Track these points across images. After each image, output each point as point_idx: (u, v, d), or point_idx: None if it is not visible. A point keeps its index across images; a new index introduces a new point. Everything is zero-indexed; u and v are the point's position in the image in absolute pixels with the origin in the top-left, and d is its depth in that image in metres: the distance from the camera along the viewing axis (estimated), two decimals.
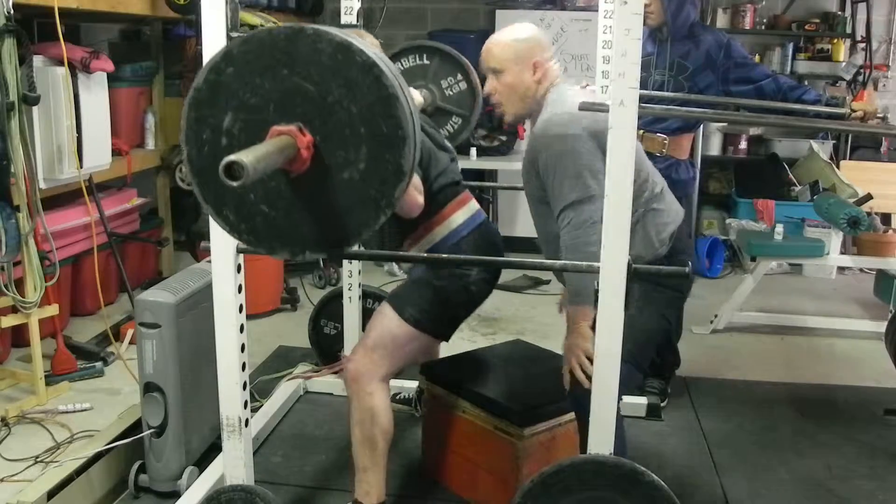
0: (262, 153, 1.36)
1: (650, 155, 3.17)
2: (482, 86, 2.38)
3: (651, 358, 2.33)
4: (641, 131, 3.18)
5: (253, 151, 1.34)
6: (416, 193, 2.18)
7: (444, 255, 2.24)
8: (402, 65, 2.86)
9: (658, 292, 2.18)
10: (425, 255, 2.23)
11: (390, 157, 1.48)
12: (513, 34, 2.23)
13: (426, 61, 2.84)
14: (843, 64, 5.52)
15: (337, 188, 1.52)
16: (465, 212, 2.38)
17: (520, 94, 2.21)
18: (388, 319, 2.28)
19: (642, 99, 1.89)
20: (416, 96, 2.74)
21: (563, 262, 1.99)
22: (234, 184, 1.28)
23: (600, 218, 1.77)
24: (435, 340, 2.36)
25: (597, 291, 1.75)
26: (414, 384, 3.01)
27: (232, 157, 1.27)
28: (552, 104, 2.17)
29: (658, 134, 3.18)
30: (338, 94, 1.48)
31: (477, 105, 2.82)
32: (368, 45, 1.54)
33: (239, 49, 1.52)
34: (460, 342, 3.63)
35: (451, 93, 2.85)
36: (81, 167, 3.30)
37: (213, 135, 1.54)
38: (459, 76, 2.82)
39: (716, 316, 4.16)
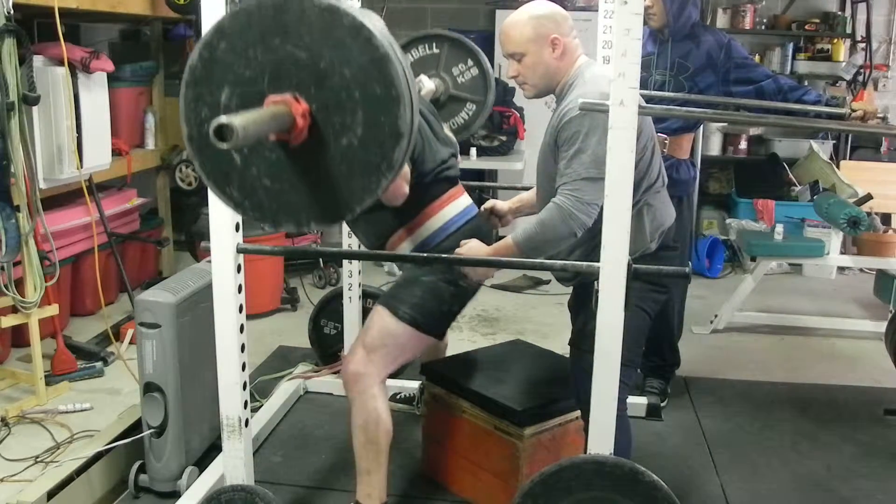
0: (252, 117, 1.36)
1: None
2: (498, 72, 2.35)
3: (640, 353, 2.32)
4: None
5: (244, 114, 1.34)
6: (401, 182, 2.16)
7: (444, 256, 2.24)
8: (412, 55, 2.84)
9: (637, 287, 2.14)
10: (425, 255, 2.23)
11: (386, 119, 1.46)
12: (527, 12, 2.18)
13: (436, 50, 2.82)
14: (843, 64, 5.52)
15: (337, 155, 1.51)
16: (456, 205, 2.36)
17: (541, 73, 2.18)
18: (383, 320, 2.27)
19: (642, 99, 1.89)
20: (429, 84, 2.72)
21: (563, 262, 1.99)
22: (225, 145, 1.27)
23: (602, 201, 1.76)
24: (432, 338, 2.36)
25: (597, 292, 1.75)
26: (414, 384, 3.01)
27: (221, 119, 1.27)
28: (590, 81, 2.12)
29: (658, 134, 3.18)
30: (329, 58, 1.46)
31: (490, 90, 2.80)
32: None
33: (230, 22, 1.51)
34: (460, 342, 3.64)
35: (463, 80, 2.84)
36: (81, 167, 3.30)
37: (212, 112, 1.53)
38: (470, 62, 2.80)
39: (716, 316, 4.16)
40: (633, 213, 2.07)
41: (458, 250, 2.24)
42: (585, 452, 1.87)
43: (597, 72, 2.17)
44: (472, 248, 2.22)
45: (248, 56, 1.51)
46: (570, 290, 2.47)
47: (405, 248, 2.34)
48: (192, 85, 1.55)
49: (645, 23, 3.11)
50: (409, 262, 2.40)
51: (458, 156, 2.49)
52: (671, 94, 3.05)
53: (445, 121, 2.78)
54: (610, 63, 2.36)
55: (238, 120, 1.29)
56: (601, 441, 1.82)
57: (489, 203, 2.61)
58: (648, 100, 2.97)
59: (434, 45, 2.82)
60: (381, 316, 2.28)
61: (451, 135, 2.52)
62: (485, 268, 2.25)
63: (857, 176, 4.49)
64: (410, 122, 1.48)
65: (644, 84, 3.07)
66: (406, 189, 2.19)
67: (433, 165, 2.31)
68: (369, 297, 3.25)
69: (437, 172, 2.32)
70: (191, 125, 1.57)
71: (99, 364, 3.33)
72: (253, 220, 1.63)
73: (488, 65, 2.80)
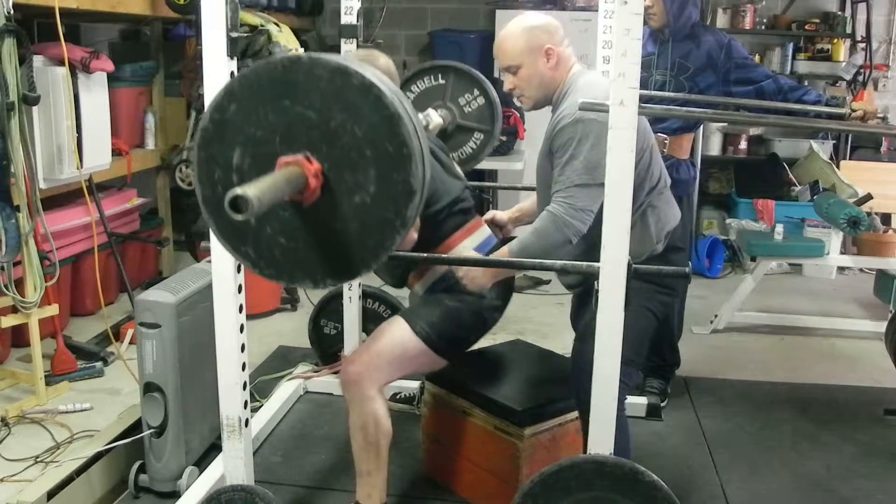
0: (267, 184, 1.36)
1: None
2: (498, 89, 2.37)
3: (645, 354, 2.32)
4: None
5: (258, 183, 1.34)
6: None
7: (445, 256, 2.24)
8: (417, 86, 2.87)
9: (643, 288, 2.14)
10: (426, 255, 2.23)
11: (399, 176, 1.47)
12: (520, 24, 2.21)
13: (442, 81, 2.84)
14: (843, 64, 5.52)
15: (350, 213, 1.52)
16: (474, 238, 2.37)
17: (537, 84, 2.20)
18: (398, 329, 2.27)
19: (643, 99, 1.89)
20: (436, 119, 2.74)
21: (562, 262, 1.99)
22: (240, 217, 1.28)
23: (597, 209, 1.77)
24: (441, 359, 2.35)
25: (597, 292, 1.75)
26: (414, 384, 3.01)
27: (236, 191, 1.27)
28: (583, 88, 2.13)
29: (659, 134, 3.18)
30: (340, 118, 1.48)
31: (497, 119, 2.82)
32: (382, 70, 1.54)
33: (240, 85, 1.53)
34: None
35: (469, 109, 2.86)
36: (81, 167, 3.30)
37: (224, 173, 1.55)
38: (476, 92, 2.83)
39: (716, 316, 4.16)
40: (636, 216, 2.10)
41: (459, 274, 2.25)
42: (585, 452, 1.87)
43: (590, 79, 2.19)
44: (470, 270, 2.24)
45: (258, 117, 1.52)
46: (570, 290, 2.47)
47: (426, 282, 2.36)
48: (204, 146, 1.56)
49: (645, 23, 3.12)
50: (411, 261, 2.39)
51: (469, 186, 2.50)
52: (671, 94, 3.06)
53: (453, 151, 2.80)
54: (610, 63, 2.36)
55: (252, 190, 1.29)
56: (601, 441, 1.82)
57: (489, 214, 2.64)
58: (648, 100, 2.97)
59: (440, 76, 2.85)
60: (398, 326, 2.28)
61: (457, 168, 2.53)
62: (481, 277, 2.25)
63: (857, 176, 4.49)
64: (423, 178, 1.49)
65: (644, 84, 3.07)
66: (415, 235, 2.21)
67: (448, 200, 2.33)
68: (369, 298, 3.25)
69: (450, 207, 2.33)
70: (204, 186, 1.58)
71: (99, 364, 3.33)
72: (268, 278, 1.63)
73: (494, 94, 2.81)
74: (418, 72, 2.88)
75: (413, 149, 1.47)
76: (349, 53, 2.48)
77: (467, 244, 2.34)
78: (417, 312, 2.31)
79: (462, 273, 2.25)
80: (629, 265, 1.73)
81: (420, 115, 2.60)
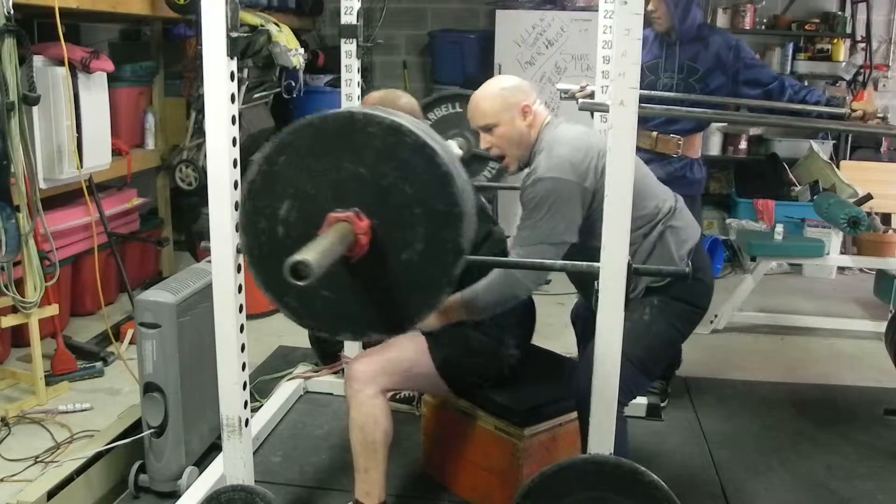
0: (324, 248, 1.36)
1: (665, 157, 3.18)
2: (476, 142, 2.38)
3: (661, 366, 2.33)
4: (655, 133, 3.17)
5: (315, 247, 1.34)
6: None
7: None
8: (435, 114, 2.88)
9: (674, 304, 2.18)
10: None
11: (448, 235, 1.48)
12: (497, 85, 2.24)
13: (459, 109, 2.85)
14: (843, 64, 5.52)
15: (396, 269, 1.52)
16: None
17: (516, 142, 2.22)
18: (419, 349, 2.28)
19: (648, 100, 1.89)
20: (454, 147, 2.74)
21: (562, 262, 1.99)
22: (301, 283, 1.28)
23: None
24: (446, 388, 2.36)
25: (597, 292, 1.75)
26: None
27: (297, 257, 1.27)
28: (549, 146, 2.16)
29: (672, 135, 3.19)
30: (392, 176, 1.48)
31: None
32: (407, 111, 1.54)
33: (292, 137, 1.52)
34: None
35: None
36: (81, 167, 3.30)
37: (270, 224, 1.56)
38: None
39: (716, 316, 4.15)
40: (656, 238, 2.14)
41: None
42: (584, 452, 1.87)
43: (558, 134, 2.19)
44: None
45: (309, 171, 1.52)
46: (569, 290, 2.47)
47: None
48: (251, 197, 1.57)
49: (651, 26, 3.12)
50: None
51: (498, 224, 2.52)
52: (671, 95, 3.06)
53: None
54: (610, 63, 2.36)
55: (312, 256, 1.29)
56: (601, 441, 1.82)
57: None
58: (649, 100, 2.97)
59: (458, 104, 2.86)
60: (420, 345, 2.29)
61: (486, 203, 2.54)
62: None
63: (857, 176, 4.49)
64: (471, 237, 1.50)
65: (651, 87, 3.07)
66: None
67: (488, 248, 2.34)
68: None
69: (483, 245, 2.33)
70: (249, 236, 1.59)
71: (99, 364, 3.33)
72: (309, 329, 1.64)
73: None
74: (437, 99, 2.90)
75: (464, 209, 1.47)
76: (370, 96, 2.46)
77: None
78: (441, 338, 2.29)
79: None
80: (629, 265, 1.73)
81: None
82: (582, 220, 2.10)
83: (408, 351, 2.28)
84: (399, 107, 2.27)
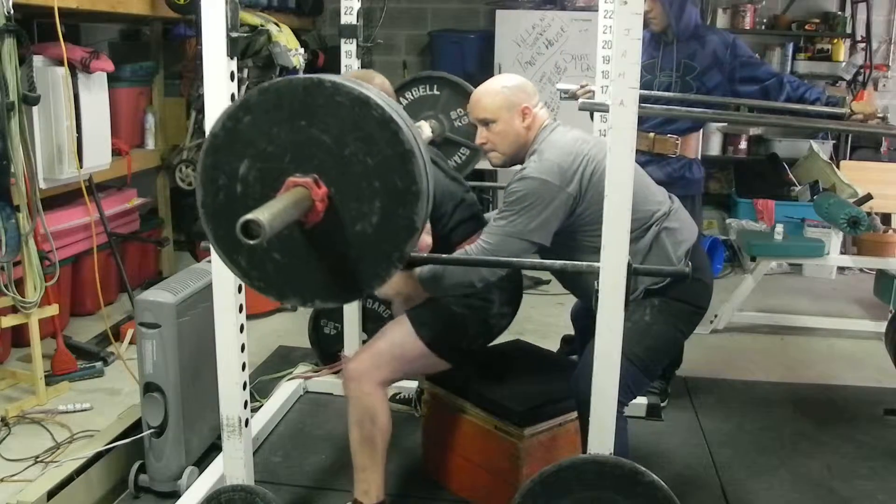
0: (278, 210, 1.36)
1: (664, 157, 3.18)
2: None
3: (662, 366, 2.33)
4: (652, 134, 3.17)
5: (269, 208, 1.34)
6: (423, 234, 2.19)
7: (444, 256, 2.24)
8: (412, 94, 2.88)
9: (675, 305, 2.18)
10: (425, 255, 2.22)
11: (403, 212, 1.48)
12: (500, 82, 2.25)
13: (436, 92, 2.86)
14: (843, 64, 5.53)
15: (349, 240, 1.52)
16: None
17: (510, 141, 2.22)
18: (403, 331, 2.29)
19: (645, 99, 1.89)
20: (427, 132, 2.74)
21: (562, 262, 1.99)
22: (252, 242, 1.28)
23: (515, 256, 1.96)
24: (443, 363, 2.36)
25: (597, 292, 1.75)
26: (414, 384, 3.01)
27: (249, 216, 1.27)
28: (542, 148, 2.16)
29: (669, 135, 3.19)
30: (354, 147, 1.48)
31: None
32: (378, 89, 1.55)
33: (257, 98, 1.52)
34: None
35: (459, 124, 2.87)
36: (81, 167, 3.30)
37: (229, 181, 1.55)
38: None
39: (716, 316, 4.15)
40: (651, 240, 2.14)
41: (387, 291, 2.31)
42: (584, 452, 1.87)
43: (553, 139, 2.19)
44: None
45: (272, 133, 1.52)
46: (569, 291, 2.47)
47: None
48: (211, 152, 1.56)
49: (646, 26, 3.12)
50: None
51: (470, 189, 2.51)
52: (678, 95, 3.05)
53: None
54: (610, 63, 2.36)
55: (265, 215, 1.29)
56: (601, 441, 1.82)
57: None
58: (649, 100, 2.97)
59: (435, 86, 2.86)
60: (402, 326, 2.29)
61: (456, 173, 2.54)
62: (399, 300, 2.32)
63: (857, 176, 4.49)
64: (425, 216, 1.50)
65: (647, 87, 3.07)
66: (429, 240, 2.21)
67: (452, 205, 2.35)
68: (369, 297, 3.24)
69: (456, 216, 2.35)
70: (206, 191, 1.58)
71: (99, 364, 3.33)
72: (258, 291, 1.64)
73: None
74: (414, 79, 2.89)
75: (421, 188, 1.48)
76: (347, 71, 2.48)
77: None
78: (423, 315, 2.31)
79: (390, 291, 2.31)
80: (629, 265, 1.73)
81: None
82: (560, 224, 2.11)
83: (395, 337, 2.28)
84: (373, 84, 2.27)
